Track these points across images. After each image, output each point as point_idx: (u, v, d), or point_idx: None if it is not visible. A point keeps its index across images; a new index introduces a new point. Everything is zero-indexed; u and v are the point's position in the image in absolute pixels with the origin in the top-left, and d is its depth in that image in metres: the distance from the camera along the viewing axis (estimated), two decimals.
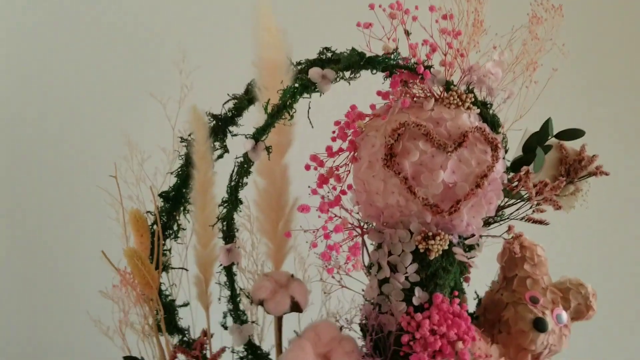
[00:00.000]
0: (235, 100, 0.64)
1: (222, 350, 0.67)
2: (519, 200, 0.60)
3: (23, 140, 0.96)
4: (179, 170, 0.65)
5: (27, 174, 0.95)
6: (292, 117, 0.56)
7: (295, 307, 0.60)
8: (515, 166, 0.63)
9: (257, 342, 0.64)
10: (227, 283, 0.59)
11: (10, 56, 0.98)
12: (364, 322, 0.61)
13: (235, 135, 0.65)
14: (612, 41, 1.22)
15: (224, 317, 0.62)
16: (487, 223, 0.61)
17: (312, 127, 0.56)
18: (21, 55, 0.99)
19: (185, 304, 0.69)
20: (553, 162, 0.69)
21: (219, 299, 0.61)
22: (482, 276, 0.68)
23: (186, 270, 0.69)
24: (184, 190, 0.66)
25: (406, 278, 0.58)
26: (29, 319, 1.00)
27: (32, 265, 0.98)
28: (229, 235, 0.58)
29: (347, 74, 0.56)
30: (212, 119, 0.64)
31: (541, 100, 0.67)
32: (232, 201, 0.57)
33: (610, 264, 1.22)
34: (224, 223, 0.58)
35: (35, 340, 1.01)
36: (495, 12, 0.67)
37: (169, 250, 0.68)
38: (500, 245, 0.67)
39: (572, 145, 0.70)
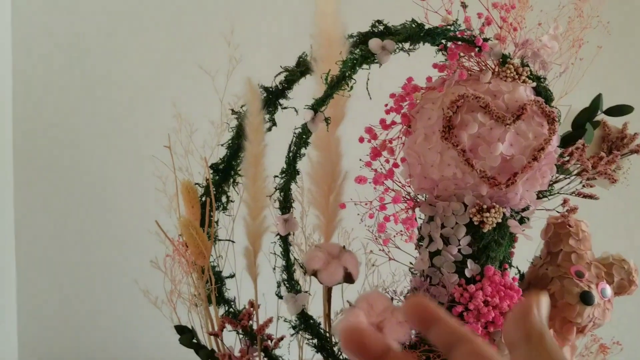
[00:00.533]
0: (287, 73, 0.64)
1: (270, 320, 0.68)
2: (569, 175, 0.61)
3: (77, 113, 0.98)
4: (229, 142, 0.66)
5: (81, 147, 0.97)
6: (351, 88, 0.56)
7: (348, 278, 0.61)
8: (564, 142, 0.63)
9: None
10: (283, 253, 0.60)
11: (63, 36, 0.98)
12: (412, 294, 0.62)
13: (285, 108, 0.66)
14: None
15: (278, 286, 0.63)
16: (538, 197, 0.62)
17: (371, 98, 0.57)
18: (77, 30, 0.99)
19: (232, 276, 0.70)
20: (595, 139, 0.69)
21: (274, 269, 0.62)
22: (521, 252, 0.69)
23: (233, 242, 0.69)
24: (233, 162, 0.66)
25: (459, 250, 0.59)
26: (80, 290, 1.02)
27: (84, 238, 1.01)
28: (286, 205, 0.59)
29: (407, 45, 0.56)
30: (263, 92, 0.65)
31: (586, 77, 0.68)
32: (290, 172, 0.58)
33: None
34: (282, 193, 0.58)
35: (85, 310, 1.03)
36: None
37: (217, 222, 0.69)
38: (543, 221, 0.68)
39: (615, 123, 0.71)
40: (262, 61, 0.66)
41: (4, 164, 1.01)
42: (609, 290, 0.64)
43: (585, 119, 0.62)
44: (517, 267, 0.71)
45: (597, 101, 0.63)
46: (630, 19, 1.16)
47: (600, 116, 0.66)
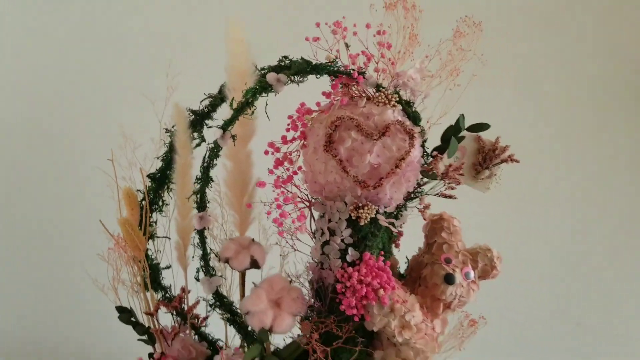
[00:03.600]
0: (210, 99, 0.79)
1: (197, 302, 0.81)
2: (433, 179, 0.75)
3: (38, 132, 1.15)
4: (163, 155, 0.80)
5: (40, 160, 1.15)
6: (252, 112, 0.71)
7: (255, 264, 0.75)
8: (437, 152, 0.78)
9: (226, 295, 0.79)
10: (200, 244, 0.74)
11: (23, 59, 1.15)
12: (310, 277, 0.76)
13: (211, 127, 0.80)
14: (524, 50, 1.44)
15: (197, 272, 0.77)
16: (409, 198, 0.76)
17: (269, 119, 0.71)
18: (32, 57, 1.15)
19: (168, 267, 0.84)
20: (473, 151, 0.84)
21: (192, 257, 0.76)
22: (415, 244, 0.84)
23: (169, 238, 0.83)
24: (167, 172, 0.80)
25: (342, 240, 0.73)
26: (36, 279, 1.20)
27: (40, 236, 1.19)
28: (201, 205, 0.73)
29: (297, 77, 0.71)
30: (191, 114, 0.79)
31: (464, 100, 0.83)
32: (204, 178, 0.72)
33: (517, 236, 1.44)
34: (198, 196, 0.73)
35: (41, 297, 1.20)
36: (427, 27, 0.82)
37: (155, 222, 0.83)
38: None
39: (490, 137, 0.86)
40: (197, 89, 0.81)
41: None
42: (472, 273, 0.78)
43: (450, 134, 0.77)
44: (406, 257, 0.85)
45: (459, 120, 0.77)
46: (502, 53, 1.36)
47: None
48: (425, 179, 0.76)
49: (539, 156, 1.41)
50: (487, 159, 0.83)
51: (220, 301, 0.75)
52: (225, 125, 0.70)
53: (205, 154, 0.72)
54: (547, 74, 1.47)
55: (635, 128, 1.49)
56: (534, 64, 1.46)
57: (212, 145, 0.71)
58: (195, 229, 0.74)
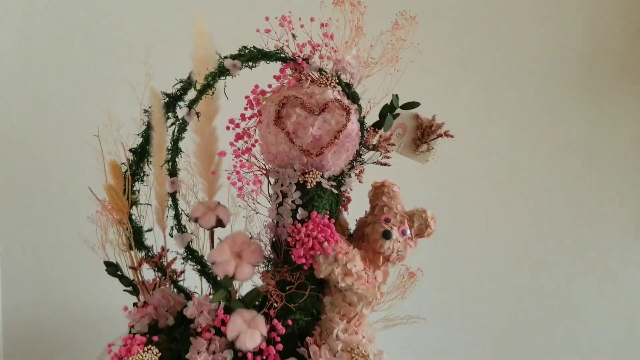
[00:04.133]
0: (182, 84, 0.92)
1: (175, 259, 0.95)
2: (369, 150, 0.88)
3: (40, 111, 1.36)
4: (143, 133, 0.93)
5: (40, 136, 1.35)
6: (213, 93, 0.83)
7: (220, 223, 0.88)
8: (375, 127, 0.90)
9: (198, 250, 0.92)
10: (172, 205, 0.87)
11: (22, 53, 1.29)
12: (267, 234, 0.89)
13: (182, 108, 0.93)
14: (455, 41, 1.57)
15: (171, 229, 0.90)
16: (351, 165, 0.89)
17: (228, 99, 0.84)
18: (25, 42, 1.30)
19: (149, 230, 0.97)
20: (412, 128, 0.96)
21: (166, 217, 0.89)
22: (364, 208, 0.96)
23: (150, 205, 0.96)
24: (147, 147, 0.93)
25: (293, 202, 0.86)
26: (34, 240, 1.40)
27: (38, 202, 1.40)
28: (173, 172, 0.86)
29: (250, 63, 0.84)
30: (165, 97, 0.92)
31: (403, 82, 0.95)
32: (174, 149, 0.85)
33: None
34: (170, 164, 0.86)
35: (38, 256, 1.40)
36: (371, 21, 0.94)
37: (138, 190, 0.96)
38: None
39: (427, 115, 0.98)
40: (171, 75, 0.94)
41: None
42: (408, 231, 0.90)
43: (386, 112, 0.89)
44: (356, 219, 0.98)
45: (393, 99, 0.89)
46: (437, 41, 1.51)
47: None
48: (364, 150, 0.89)
49: (470, 130, 1.51)
50: (425, 134, 0.95)
51: (192, 254, 0.89)
52: (191, 104, 0.83)
53: (175, 129, 0.85)
54: (484, 60, 1.59)
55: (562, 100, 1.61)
56: (472, 50, 1.59)
57: (180, 121, 0.84)
58: (167, 193, 0.87)
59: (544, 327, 1.68)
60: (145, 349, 0.81)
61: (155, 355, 0.81)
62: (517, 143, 1.61)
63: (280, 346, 0.83)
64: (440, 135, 0.95)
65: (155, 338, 0.84)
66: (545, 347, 1.69)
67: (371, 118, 0.91)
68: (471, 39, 1.59)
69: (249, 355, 0.82)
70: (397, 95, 0.90)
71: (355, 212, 0.96)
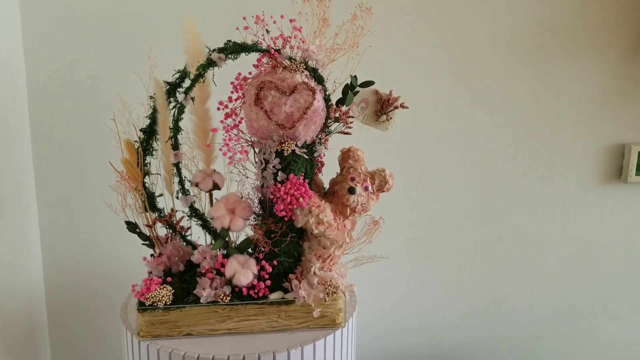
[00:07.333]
0: (179, 73, 1.11)
1: (182, 217, 1.16)
2: (335, 122, 1.07)
3: (67, 97, 1.59)
4: (150, 115, 1.13)
5: (67, 119, 1.59)
6: (204, 80, 1.02)
7: (216, 186, 1.09)
8: (338, 103, 1.09)
9: (199, 209, 1.14)
10: (177, 173, 1.08)
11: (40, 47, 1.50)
12: (255, 193, 1.10)
13: (181, 93, 1.13)
14: (409, 25, 1.72)
15: (176, 193, 1.11)
16: (319, 136, 1.08)
17: (216, 85, 1.03)
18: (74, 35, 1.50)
19: (160, 195, 1.18)
20: (373, 102, 1.15)
21: (173, 183, 1.10)
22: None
23: (159, 174, 1.17)
24: (154, 126, 1.13)
25: (274, 167, 1.06)
26: (71, 206, 1.66)
27: (69, 175, 1.64)
28: (175, 146, 1.06)
29: (233, 55, 1.03)
30: (166, 85, 1.12)
31: (363, 65, 1.13)
32: (175, 127, 1.05)
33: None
34: (173, 140, 1.06)
35: (75, 220, 1.67)
36: (336, 12, 1.11)
37: (149, 163, 1.16)
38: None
39: (385, 90, 1.16)
40: (171, 66, 1.13)
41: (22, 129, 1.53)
42: (370, 187, 1.10)
43: (347, 90, 1.08)
44: (330, 180, 1.18)
45: (352, 79, 1.08)
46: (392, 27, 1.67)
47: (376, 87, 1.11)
48: (330, 122, 1.08)
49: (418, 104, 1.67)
50: (384, 107, 1.13)
51: (195, 212, 1.10)
52: (187, 91, 1.02)
53: (175, 111, 1.05)
54: (432, 40, 1.74)
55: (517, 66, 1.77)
56: (419, 33, 1.73)
57: (179, 105, 1.04)
58: (172, 163, 1.08)
59: (507, 269, 1.91)
60: (161, 287, 1.03)
61: (170, 291, 1.03)
62: (475, 101, 1.77)
63: (268, 282, 1.05)
64: (396, 107, 1.13)
65: (169, 279, 1.06)
66: (508, 287, 1.92)
67: (336, 96, 1.10)
68: (421, 17, 1.72)
69: (244, 290, 1.04)
70: (355, 76, 1.08)
71: (330, 174, 1.16)
